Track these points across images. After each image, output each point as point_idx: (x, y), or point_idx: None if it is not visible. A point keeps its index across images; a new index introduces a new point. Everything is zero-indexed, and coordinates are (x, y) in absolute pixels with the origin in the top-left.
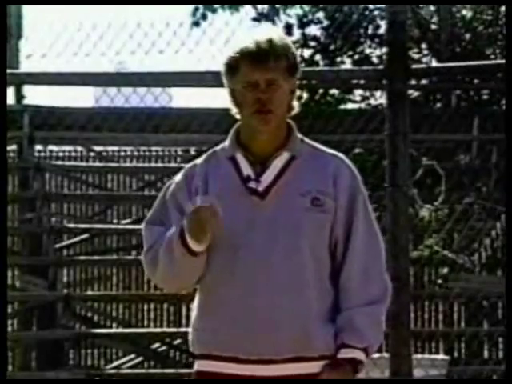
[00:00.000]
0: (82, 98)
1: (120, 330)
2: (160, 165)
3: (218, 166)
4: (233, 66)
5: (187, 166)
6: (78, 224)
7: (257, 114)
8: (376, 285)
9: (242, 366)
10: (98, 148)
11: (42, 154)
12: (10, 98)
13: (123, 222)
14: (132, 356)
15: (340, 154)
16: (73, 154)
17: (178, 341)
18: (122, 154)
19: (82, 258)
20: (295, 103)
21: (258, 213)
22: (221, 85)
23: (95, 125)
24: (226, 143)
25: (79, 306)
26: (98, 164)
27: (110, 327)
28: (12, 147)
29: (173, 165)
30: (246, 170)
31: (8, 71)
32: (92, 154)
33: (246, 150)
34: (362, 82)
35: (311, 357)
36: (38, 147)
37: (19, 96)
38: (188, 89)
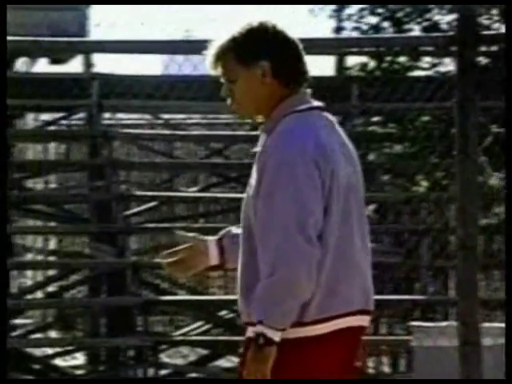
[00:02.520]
0: (150, 66)
1: (188, 297)
2: (228, 132)
3: None
4: None
5: None
6: (146, 192)
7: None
8: (265, 259)
9: None
10: (165, 116)
11: (111, 122)
12: (79, 67)
13: (190, 189)
14: (200, 323)
15: (280, 131)
16: (141, 121)
17: None
18: (190, 121)
19: (150, 225)
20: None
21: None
22: None
23: (163, 93)
24: None
25: (147, 274)
26: (165, 132)
27: (178, 294)
28: (81, 115)
29: (240, 132)
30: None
31: (77, 39)
32: (160, 121)
33: None
34: (430, 48)
35: (252, 322)
36: (107, 115)
37: (88, 64)
38: None
